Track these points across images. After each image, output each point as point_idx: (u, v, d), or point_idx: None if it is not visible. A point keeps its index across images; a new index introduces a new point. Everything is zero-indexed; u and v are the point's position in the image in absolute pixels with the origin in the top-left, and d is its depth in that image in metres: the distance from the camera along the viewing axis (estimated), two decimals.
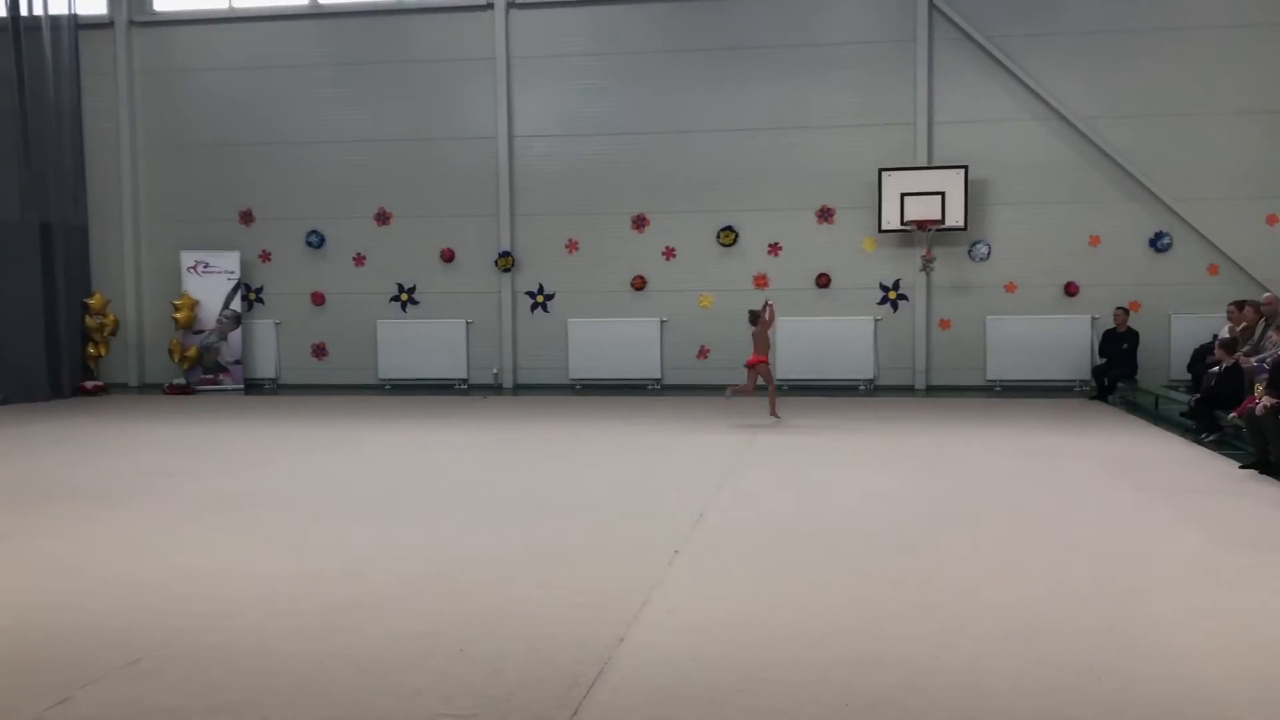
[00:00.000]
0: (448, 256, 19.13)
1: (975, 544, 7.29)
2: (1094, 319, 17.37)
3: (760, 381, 13.91)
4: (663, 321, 18.59)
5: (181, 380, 18.94)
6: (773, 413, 13.76)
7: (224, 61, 19.60)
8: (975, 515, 8.20)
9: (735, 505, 8.64)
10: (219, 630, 5.49)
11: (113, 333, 19.54)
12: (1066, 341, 17.49)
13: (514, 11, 18.79)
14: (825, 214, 18.11)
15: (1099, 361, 16.75)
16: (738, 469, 10.34)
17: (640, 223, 18.59)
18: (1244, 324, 13.65)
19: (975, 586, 6.23)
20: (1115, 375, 16.24)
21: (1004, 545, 7.25)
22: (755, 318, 13.95)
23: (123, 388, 19.89)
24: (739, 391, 14.15)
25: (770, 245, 18.27)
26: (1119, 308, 16.69)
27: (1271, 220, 17.02)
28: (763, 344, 13.84)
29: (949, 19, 17.56)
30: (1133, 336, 16.37)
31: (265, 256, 19.66)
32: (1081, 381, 17.30)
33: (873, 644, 5.21)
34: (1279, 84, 15.59)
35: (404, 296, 19.34)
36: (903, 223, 17.32)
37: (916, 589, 6.16)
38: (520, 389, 18.90)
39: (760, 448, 11.77)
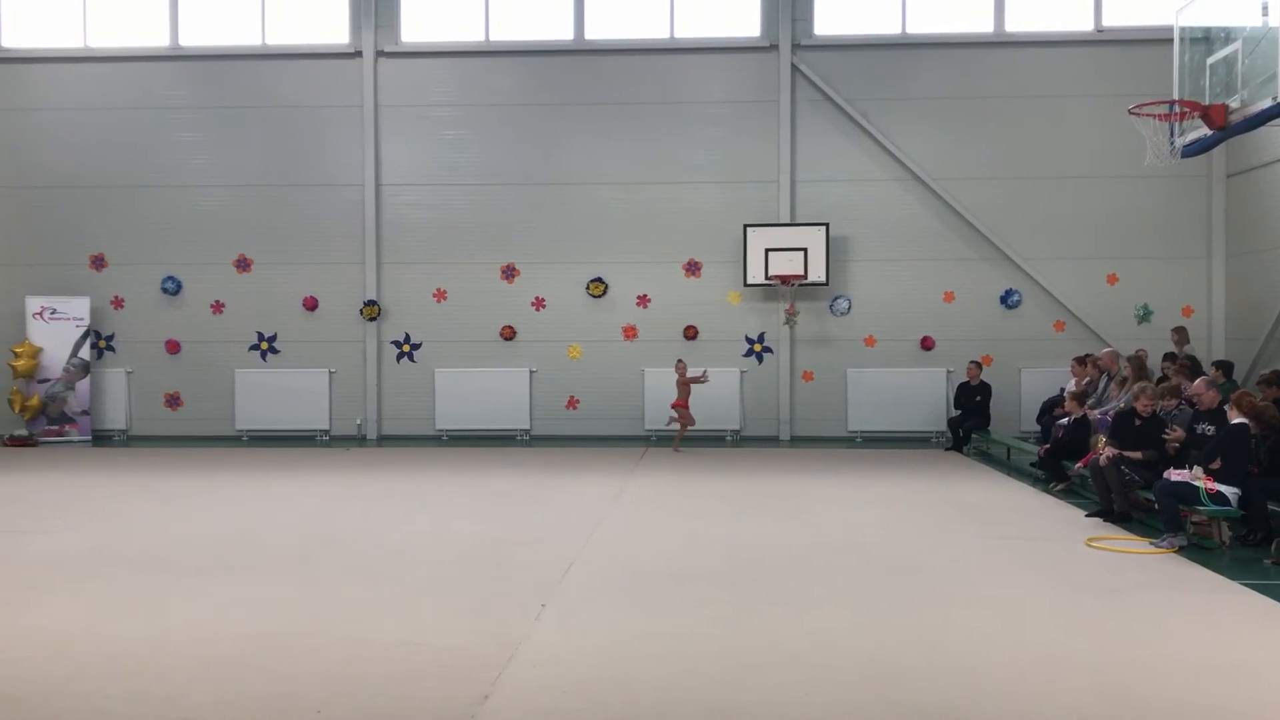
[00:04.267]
0: (310, 305, 18.72)
1: (837, 591, 7.42)
2: (949, 372, 17.98)
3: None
4: (532, 372, 18.52)
5: (23, 432, 17.99)
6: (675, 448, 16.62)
7: (78, 101, 18.90)
8: (837, 563, 8.35)
9: (603, 557, 8.61)
10: (60, 696, 5.20)
11: None
12: (923, 394, 18.06)
13: (383, 60, 18.67)
14: (693, 267, 18.38)
15: (954, 413, 17.31)
16: (606, 520, 10.31)
17: (510, 273, 18.55)
18: (1087, 378, 14.30)
19: (836, 633, 6.33)
20: (969, 426, 16.80)
21: (864, 592, 7.39)
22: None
23: None
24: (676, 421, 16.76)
25: (639, 297, 18.43)
26: (972, 361, 17.31)
27: (1112, 280, 17.94)
28: (682, 391, 16.61)
29: (810, 81, 18.12)
30: (985, 389, 16.98)
31: (118, 303, 18.92)
32: (938, 432, 17.84)
33: (738, 695, 5.24)
34: (1118, 151, 16.49)
35: (264, 345, 18.82)
36: (767, 277, 17.69)
37: (781, 637, 6.23)
38: (385, 440, 18.53)
39: (629, 499, 11.77)
